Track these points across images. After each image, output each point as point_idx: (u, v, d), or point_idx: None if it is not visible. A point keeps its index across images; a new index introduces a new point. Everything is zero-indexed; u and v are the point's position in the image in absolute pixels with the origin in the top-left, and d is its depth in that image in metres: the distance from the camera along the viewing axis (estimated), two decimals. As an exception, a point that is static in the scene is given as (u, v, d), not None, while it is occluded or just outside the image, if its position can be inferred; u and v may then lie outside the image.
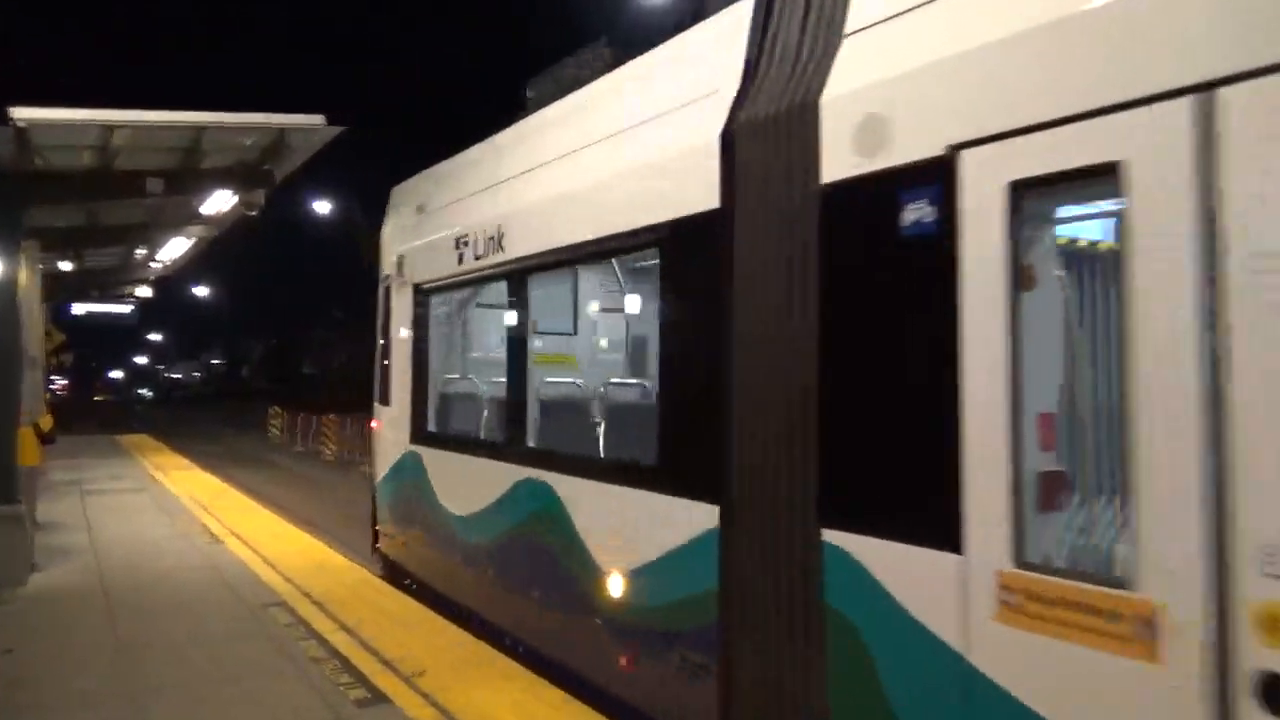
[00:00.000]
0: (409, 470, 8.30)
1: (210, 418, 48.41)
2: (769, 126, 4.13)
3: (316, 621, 6.96)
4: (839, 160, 3.73)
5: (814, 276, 3.83)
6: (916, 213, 3.36)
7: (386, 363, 9.18)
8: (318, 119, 9.25)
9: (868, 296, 3.66)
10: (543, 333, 7.34)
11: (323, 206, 41.09)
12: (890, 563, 3.44)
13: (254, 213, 11.66)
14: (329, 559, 9.55)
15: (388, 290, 9.17)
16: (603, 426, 6.62)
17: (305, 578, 8.47)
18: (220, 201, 11.19)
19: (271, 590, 8.01)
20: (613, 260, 6.98)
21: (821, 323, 3.79)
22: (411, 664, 5.91)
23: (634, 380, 7.25)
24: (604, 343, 8.43)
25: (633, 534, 5.04)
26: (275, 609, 7.36)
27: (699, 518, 4.46)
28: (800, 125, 3.94)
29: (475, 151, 7.85)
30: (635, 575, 5.03)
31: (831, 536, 3.70)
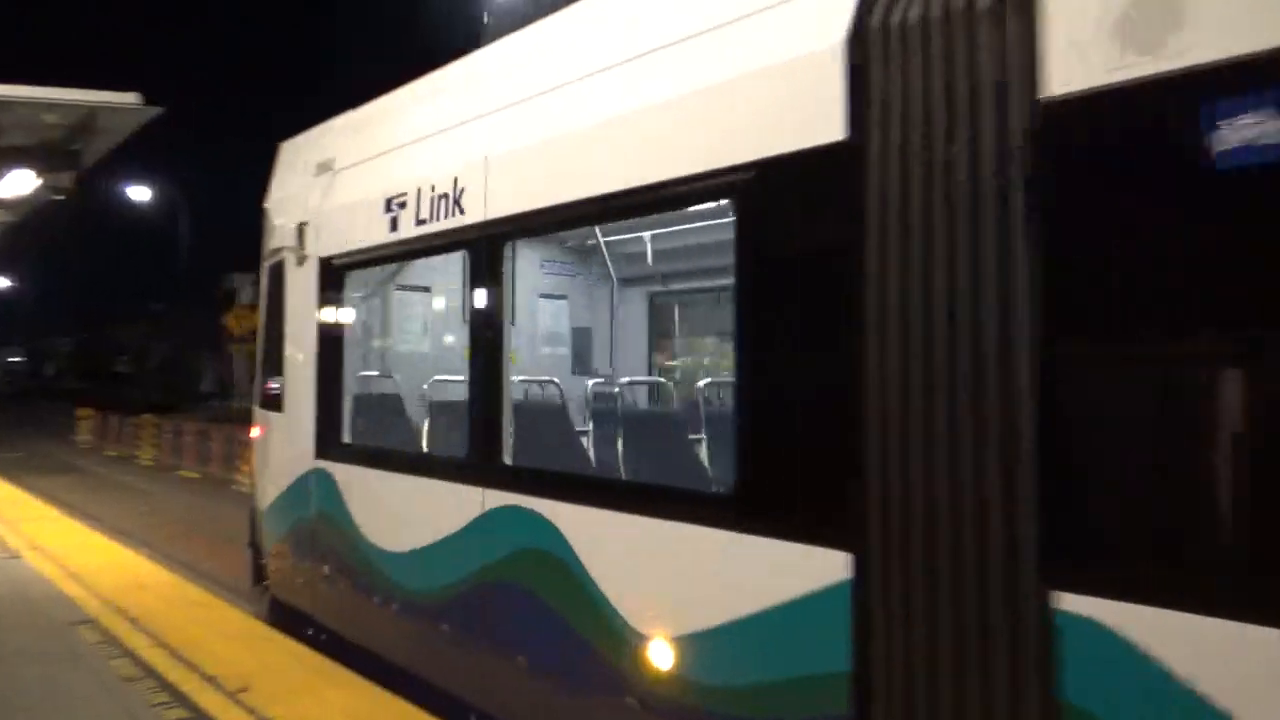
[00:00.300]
0: (315, 492, 6.73)
1: (7, 420, 44.23)
2: (937, 24, 3.05)
3: (130, 638, 6.48)
4: (1080, 64, 2.73)
5: (1036, 227, 2.79)
6: (1250, 131, 2.39)
7: (276, 357, 7.54)
8: (132, 97, 8.58)
9: (1156, 252, 2.64)
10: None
11: (141, 192, 38.45)
12: (1206, 648, 2.39)
13: (62, 197, 10.76)
14: (148, 573, 8.89)
15: (278, 268, 7.48)
16: (621, 439, 5.40)
17: (119, 593, 7.86)
18: (19, 184, 10.26)
19: (78, 607, 7.40)
20: (597, 236, 5.97)
21: (1054, 290, 2.77)
22: (237, 679, 5.60)
23: (649, 379, 6.34)
24: (544, 333, 7.34)
25: (693, 587, 3.81)
26: (83, 626, 6.80)
27: (816, 568, 3.29)
28: (996, 19, 2.90)
29: (419, 87, 6.30)
30: (697, 644, 3.79)
31: (1075, 604, 2.64)
